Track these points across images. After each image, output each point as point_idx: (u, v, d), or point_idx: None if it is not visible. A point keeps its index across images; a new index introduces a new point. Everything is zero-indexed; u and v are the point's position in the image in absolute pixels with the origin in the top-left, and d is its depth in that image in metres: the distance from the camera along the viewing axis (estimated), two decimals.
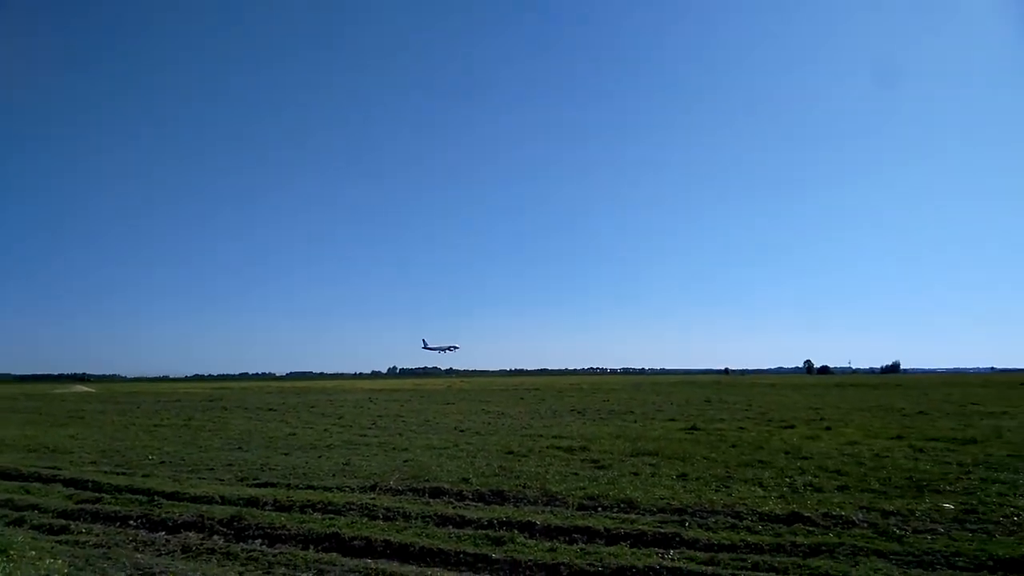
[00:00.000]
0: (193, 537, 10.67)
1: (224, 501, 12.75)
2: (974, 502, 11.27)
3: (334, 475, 15.22)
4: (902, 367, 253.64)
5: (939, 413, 30.70)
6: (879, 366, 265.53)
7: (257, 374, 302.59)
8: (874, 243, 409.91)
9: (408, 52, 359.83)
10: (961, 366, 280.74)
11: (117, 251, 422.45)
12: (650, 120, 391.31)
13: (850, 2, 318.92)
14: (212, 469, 16.64)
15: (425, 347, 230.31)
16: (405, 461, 17.02)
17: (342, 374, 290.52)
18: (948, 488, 12.54)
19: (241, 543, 10.27)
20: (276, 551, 9.71)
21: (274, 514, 11.61)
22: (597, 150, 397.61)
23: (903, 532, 9.68)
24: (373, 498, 12.61)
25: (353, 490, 13.50)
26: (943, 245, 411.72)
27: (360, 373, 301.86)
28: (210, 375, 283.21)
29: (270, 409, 41.01)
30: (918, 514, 10.63)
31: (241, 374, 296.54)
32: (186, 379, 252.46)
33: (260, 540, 10.37)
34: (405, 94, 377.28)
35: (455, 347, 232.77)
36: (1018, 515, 10.41)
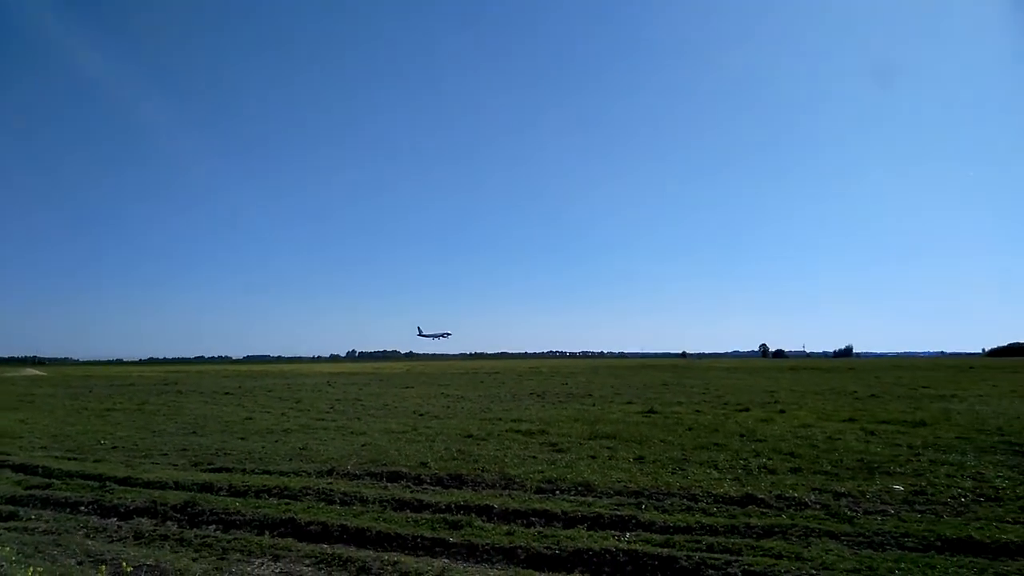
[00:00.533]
0: (146, 523, 10.49)
1: (178, 486, 12.55)
2: (923, 484, 11.57)
3: (291, 460, 15.05)
4: (855, 351, 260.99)
5: (890, 396, 31.51)
6: (832, 350, 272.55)
7: (213, 358, 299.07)
8: (828, 232, 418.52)
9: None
10: (911, 350, 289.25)
11: (71, 232, 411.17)
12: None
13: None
14: (166, 454, 16.34)
15: (420, 334, 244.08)
16: (363, 445, 16.89)
17: (300, 358, 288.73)
18: (898, 470, 12.86)
19: (195, 529, 10.13)
20: (231, 537, 9.57)
21: (229, 499, 11.45)
22: (564, 137, 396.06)
23: (854, 513, 9.90)
24: (330, 483, 12.50)
25: (310, 475, 13.37)
26: (895, 235, 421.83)
27: (318, 356, 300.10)
28: (165, 359, 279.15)
29: (226, 393, 40.39)
30: (869, 495, 10.89)
31: (197, 357, 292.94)
32: (140, 362, 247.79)
33: (214, 526, 10.23)
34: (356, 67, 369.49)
35: (448, 334, 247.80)
36: (965, 496, 10.73)
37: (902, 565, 7.67)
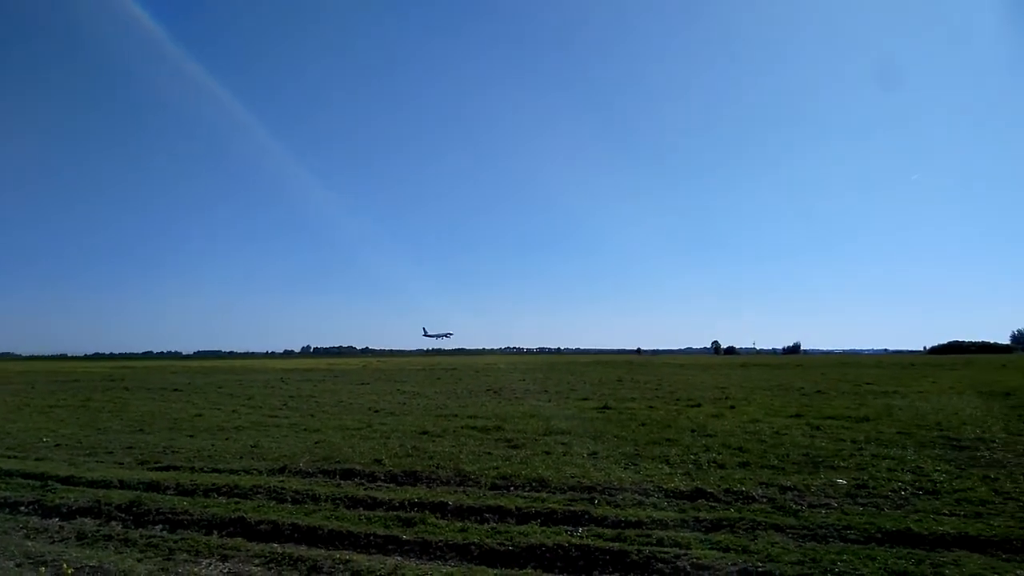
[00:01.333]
0: (89, 523, 10.23)
1: (123, 485, 12.27)
2: (865, 477, 11.93)
3: (241, 457, 14.83)
4: (802, 348, 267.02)
5: (835, 392, 32.33)
6: (781, 347, 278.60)
7: (162, 353, 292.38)
8: (778, 233, 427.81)
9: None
10: (857, 347, 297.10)
11: (12, 221, 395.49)
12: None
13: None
14: (111, 452, 15.95)
15: (425, 334, 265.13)
16: (316, 443, 16.73)
17: (253, 353, 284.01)
18: (842, 464, 13.23)
19: (140, 529, 9.92)
20: (178, 537, 9.39)
21: (176, 499, 11.23)
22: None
23: (799, 507, 10.16)
24: (282, 481, 12.35)
25: (261, 473, 13.19)
26: (842, 237, 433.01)
27: (272, 352, 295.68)
28: (111, 354, 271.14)
29: (175, 389, 39.51)
30: (813, 489, 11.18)
31: (145, 353, 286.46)
32: (85, 358, 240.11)
33: (161, 526, 10.02)
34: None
35: (450, 334, 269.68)
36: (905, 490, 11.08)
37: (844, 557, 7.91)
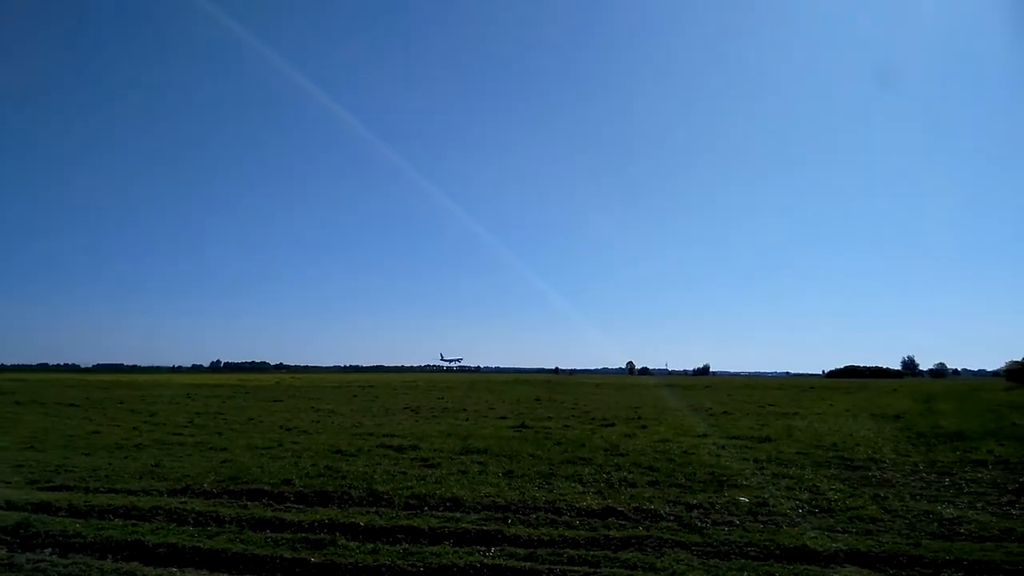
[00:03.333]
0: None
1: (10, 506, 11.54)
2: (766, 496, 12.41)
3: (141, 477, 14.18)
4: (711, 370, 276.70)
5: (740, 413, 33.43)
6: (692, 368, 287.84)
7: (58, 365, 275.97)
8: (690, 259, 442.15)
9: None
10: (761, 370, 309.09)
11: None
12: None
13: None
14: None
15: (442, 359, 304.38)
16: (223, 462, 16.16)
17: (158, 367, 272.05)
18: (744, 483, 13.73)
19: (28, 553, 9.34)
20: (69, 561, 8.90)
21: (68, 520, 10.66)
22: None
23: (704, 524, 10.49)
24: (184, 502, 11.88)
25: (162, 493, 12.65)
26: (750, 261, 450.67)
27: (179, 366, 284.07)
28: (2, 365, 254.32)
29: (71, 404, 37.31)
30: (718, 507, 11.57)
31: (40, 365, 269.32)
32: None
33: (51, 549, 9.48)
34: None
35: (461, 359, 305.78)
36: (802, 508, 11.60)
37: (744, 573, 8.23)
